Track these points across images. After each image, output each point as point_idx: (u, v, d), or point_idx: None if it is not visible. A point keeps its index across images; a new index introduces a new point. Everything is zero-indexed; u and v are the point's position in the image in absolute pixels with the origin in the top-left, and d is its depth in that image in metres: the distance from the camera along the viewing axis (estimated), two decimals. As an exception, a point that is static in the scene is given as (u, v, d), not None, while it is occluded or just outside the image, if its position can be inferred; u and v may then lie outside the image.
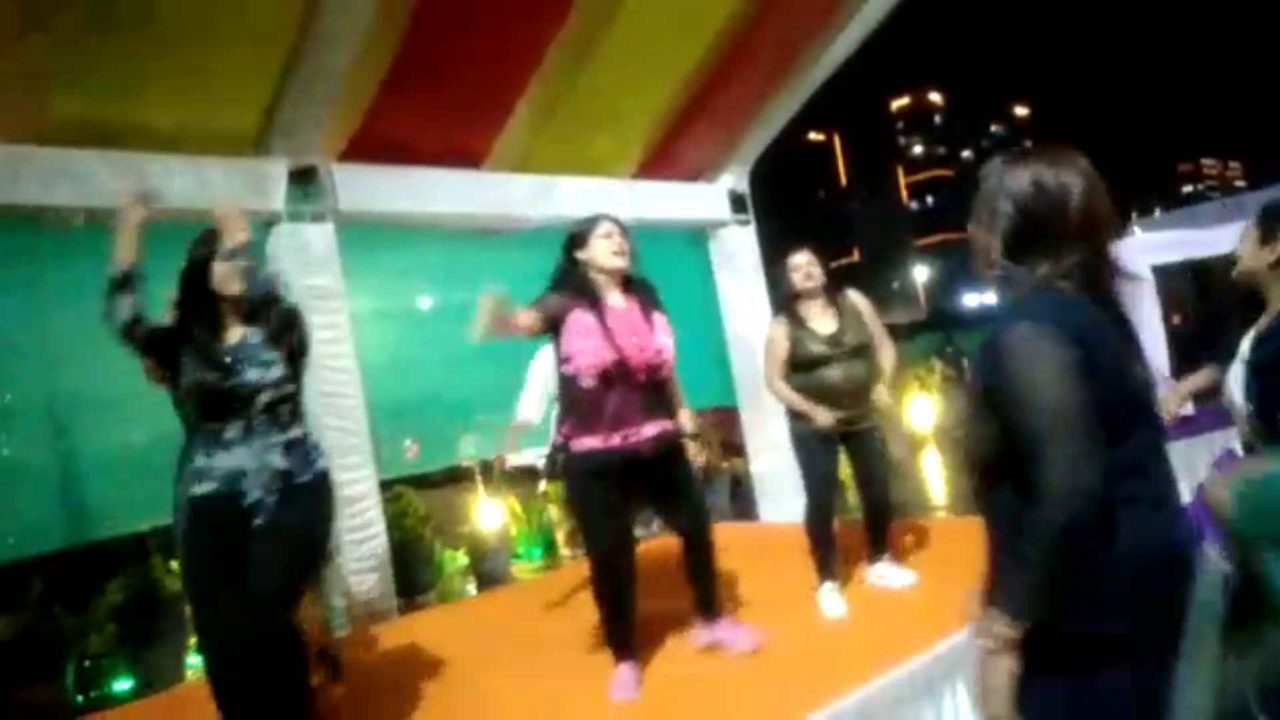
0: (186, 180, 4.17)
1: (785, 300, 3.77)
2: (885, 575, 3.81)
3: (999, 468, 1.47)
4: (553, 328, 2.99)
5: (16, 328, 4.00)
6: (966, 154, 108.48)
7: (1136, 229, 5.72)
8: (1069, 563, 1.35)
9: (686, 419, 3.27)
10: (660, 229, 6.19)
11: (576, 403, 2.95)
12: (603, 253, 3.02)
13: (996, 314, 1.56)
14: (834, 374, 3.61)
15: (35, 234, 3.98)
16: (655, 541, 5.01)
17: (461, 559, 6.20)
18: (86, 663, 4.59)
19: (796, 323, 3.69)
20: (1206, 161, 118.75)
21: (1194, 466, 4.38)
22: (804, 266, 3.72)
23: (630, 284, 3.11)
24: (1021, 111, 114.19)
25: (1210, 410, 4.54)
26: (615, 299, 3.06)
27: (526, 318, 2.89)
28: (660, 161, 6.09)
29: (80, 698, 4.54)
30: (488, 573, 6.07)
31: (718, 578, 3.33)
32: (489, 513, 6.44)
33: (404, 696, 3.25)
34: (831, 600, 3.60)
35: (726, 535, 5.22)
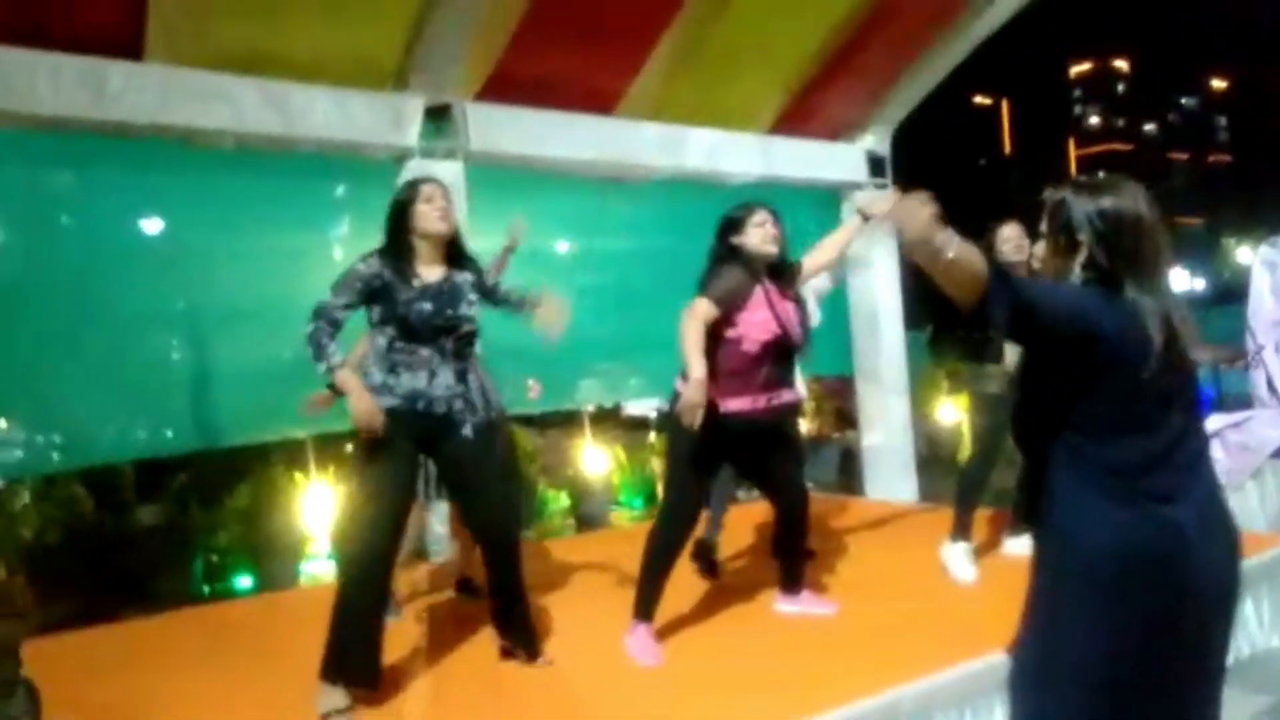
0: (328, 110, 4.33)
1: None
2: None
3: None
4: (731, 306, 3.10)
5: (168, 241, 4.29)
6: (1149, 127, 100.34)
7: None
8: None
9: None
10: (790, 187, 6.02)
11: (735, 367, 3.09)
12: (758, 240, 3.15)
13: None
14: None
15: (187, 154, 4.23)
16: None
17: (564, 500, 6.34)
18: (214, 557, 4.97)
19: None
20: None
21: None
22: (1015, 238, 3.84)
23: (774, 269, 3.22)
24: (1218, 84, 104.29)
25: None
26: (768, 281, 3.19)
27: (707, 308, 3.03)
28: (797, 117, 5.89)
29: (206, 589, 4.93)
30: (588, 516, 6.19)
31: (805, 555, 3.48)
32: (595, 458, 6.54)
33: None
34: (963, 564, 3.75)
35: (826, 508, 5.16)
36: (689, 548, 3.80)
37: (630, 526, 6.17)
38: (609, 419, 9.28)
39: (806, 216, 6.36)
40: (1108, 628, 1.61)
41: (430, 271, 2.86)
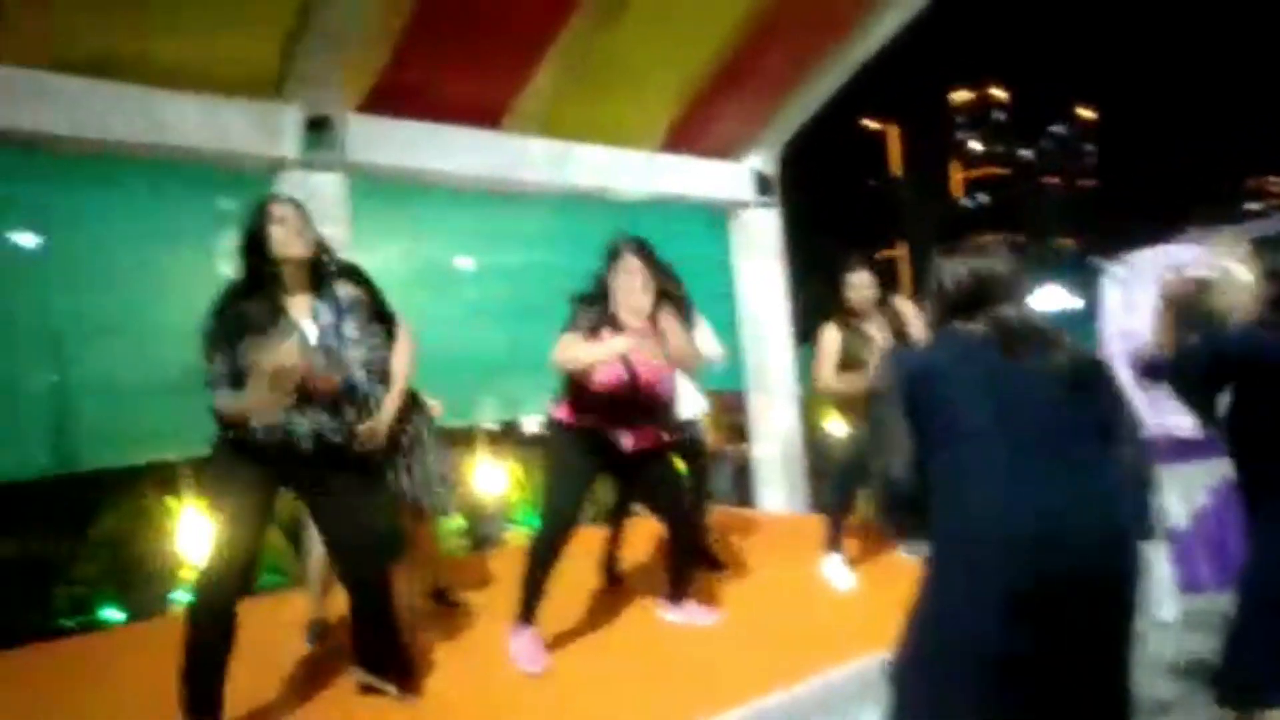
0: (200, 119, 4.18)
1: (842, 312, 4.02)
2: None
3: None
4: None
5: (17, 252, 4.05)
6: (1025, 153, 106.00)
7: (1167, 246, 5.39)
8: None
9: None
10: (679, 204, 6.11)
11: (582, 397, 3.17)
12: (619, 290, 3.14)
13: None
14: None
15: (57, 163, 4.00)
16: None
17: (459, 520, 6.23)
18: (77, 589, 4.69)
19: (849, 328, 3.98)
20: (1274, 179, 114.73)
21: (1191, 493, 4.21)
22: (864, 284, 4.01)
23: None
24: (1087, 114, 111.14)
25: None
26: (631, 320, 3.18)
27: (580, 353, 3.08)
28: (685, 135, 5.99)
29: (69, 622, 4.64)
30: (483, 536, 6.10)
31: (694, 566, 3.56)
32: (491, 476, 6.45)
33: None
34: (841, 572, 3.89)
35: (718, 520, 5.23)
36: (602, 567, 4.06)
37: (526, 545, 6.08)
38: (506, 436, 9.18)
39: (694, 234, 6.48)
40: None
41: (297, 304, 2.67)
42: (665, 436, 3.37)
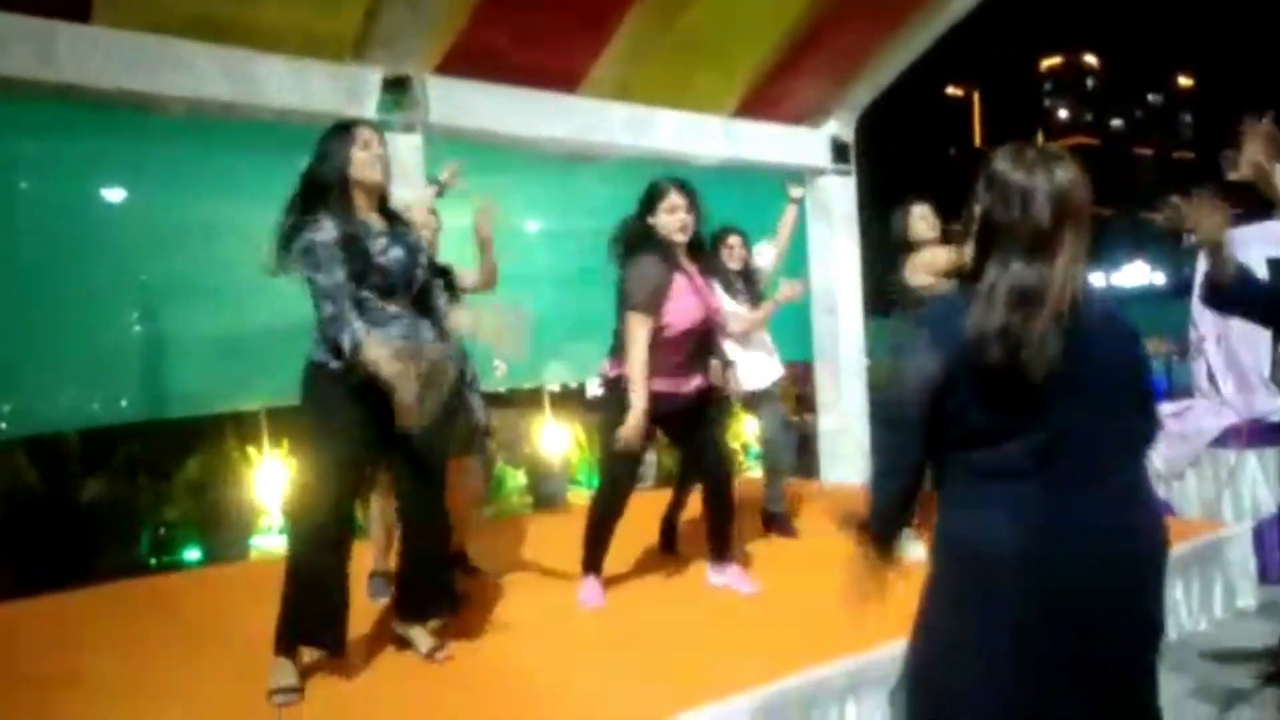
0: (285, 80, 4.26)
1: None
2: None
3: None
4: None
5: (109, 208, 4.20)
6: (1116, 123, 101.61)
7: (1266, 223, 5.11)
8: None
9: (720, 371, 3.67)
10: (754, 171, 6.03)
11: (654, 351, 3.19)
12: (667, 226, 3.22)
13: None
14: None
15: (148, 123, 4.14)
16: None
17: (521, 478, 6.33)
18: (162, 530, 4.91)
19: None
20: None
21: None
22: (929, 216, 3.96)
23: (692, 247, 3.34)
24: (1185, 82, 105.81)
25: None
26: (687, 264, 3.30)
27: (647, 324, 3.13)
28: (762, 101, 5.90)
29: (153, 561, 4.87)
30: (545, 494, 6.19)
31: (731, 527, 3.57)
32: (554, 436, 6.53)
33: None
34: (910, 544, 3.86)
35: (787, 490, 5.19)
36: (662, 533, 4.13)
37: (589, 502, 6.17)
38: (570, 398, 9.26)
39: (770, 200, 6.38)
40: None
41: (377, 222, 2.70)
42: (705, 383, 3.39)
